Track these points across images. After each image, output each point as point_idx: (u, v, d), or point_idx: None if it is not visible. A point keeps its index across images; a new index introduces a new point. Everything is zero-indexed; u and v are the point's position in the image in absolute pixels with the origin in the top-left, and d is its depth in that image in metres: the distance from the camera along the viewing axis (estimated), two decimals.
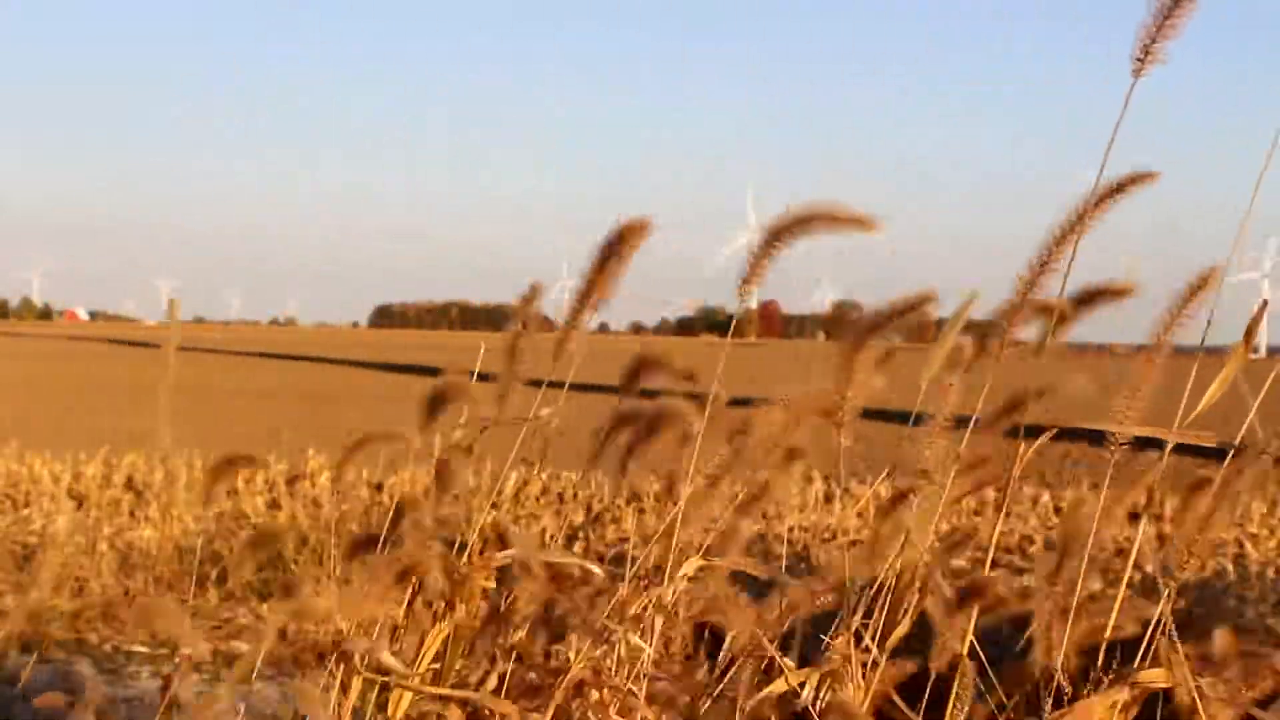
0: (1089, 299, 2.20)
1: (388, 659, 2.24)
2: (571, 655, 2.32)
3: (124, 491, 11.53)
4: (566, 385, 2.47)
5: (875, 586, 2.33)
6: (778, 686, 2.29)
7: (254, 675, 2.53)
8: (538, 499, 11.85)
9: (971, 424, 2.26)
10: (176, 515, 9.45)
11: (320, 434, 20.40)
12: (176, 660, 7.80)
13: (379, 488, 11.54)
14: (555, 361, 2.38)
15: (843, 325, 2.13)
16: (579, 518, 11.07)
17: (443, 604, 2.34)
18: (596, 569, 2.35)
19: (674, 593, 2.37)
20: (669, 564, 2.38)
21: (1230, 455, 2.20)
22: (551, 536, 10.03)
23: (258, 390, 34.62)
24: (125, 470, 12.74)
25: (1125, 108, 2.11)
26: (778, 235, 2.17)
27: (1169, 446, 2.21)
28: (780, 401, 2.26)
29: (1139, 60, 2.09)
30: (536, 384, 2.49)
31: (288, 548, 8.68)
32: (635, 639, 2.32)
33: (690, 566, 2.39)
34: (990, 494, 13.51)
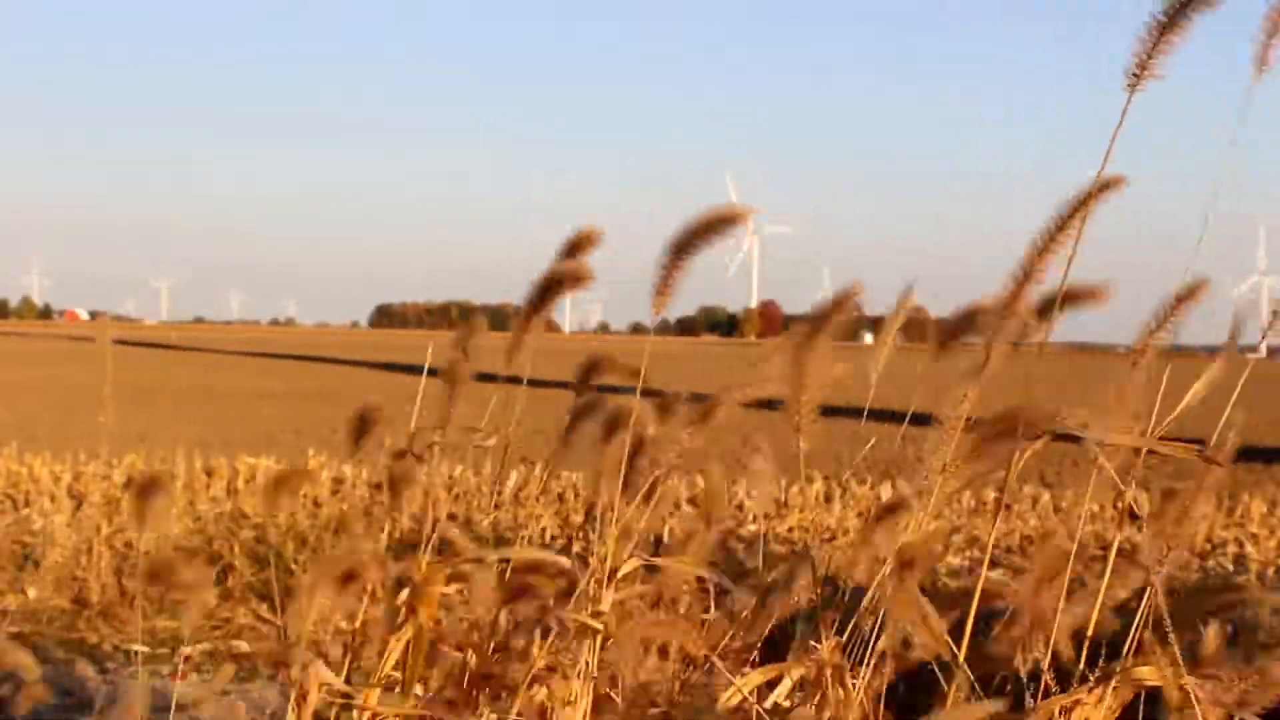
0: (1070, 299, 2.21)
1: (325, 673, 2.20)
2: (535, 651, 2.29)
3: (124, 491, 11.53)
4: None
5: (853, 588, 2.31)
6: (751, 681, 2.25)
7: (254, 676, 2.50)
8: (537, 499, 11.84)
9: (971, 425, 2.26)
10: (176, 515, 9.45)
11: (320, 434, 20.42)
12: (176, 660, 7.78)
13: (378, 487, 11.54)
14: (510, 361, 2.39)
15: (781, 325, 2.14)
16: (578, 517, 11.06)
17: (403, 610, 2.31)
18: (564, 561, 2.32)
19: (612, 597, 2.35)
20: (610, 564, 2.37)
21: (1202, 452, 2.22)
22: (553, 537, 10.03)
23: (258, 390, 34.59)
24: (125, 470, 12.74)
25: (1121, 122, 2.11)
26: (681, 249, 2.21)
27: (1143, 451, 2.21)
28: (728, 396, 2.28)
29: (1135, 76, 2.10)
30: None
31: (288, 548, 8.67)
32: (591, 622, 2.28)
33: (628, 566, 2.38)
34: (990, 493, 13.48)
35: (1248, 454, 19.10)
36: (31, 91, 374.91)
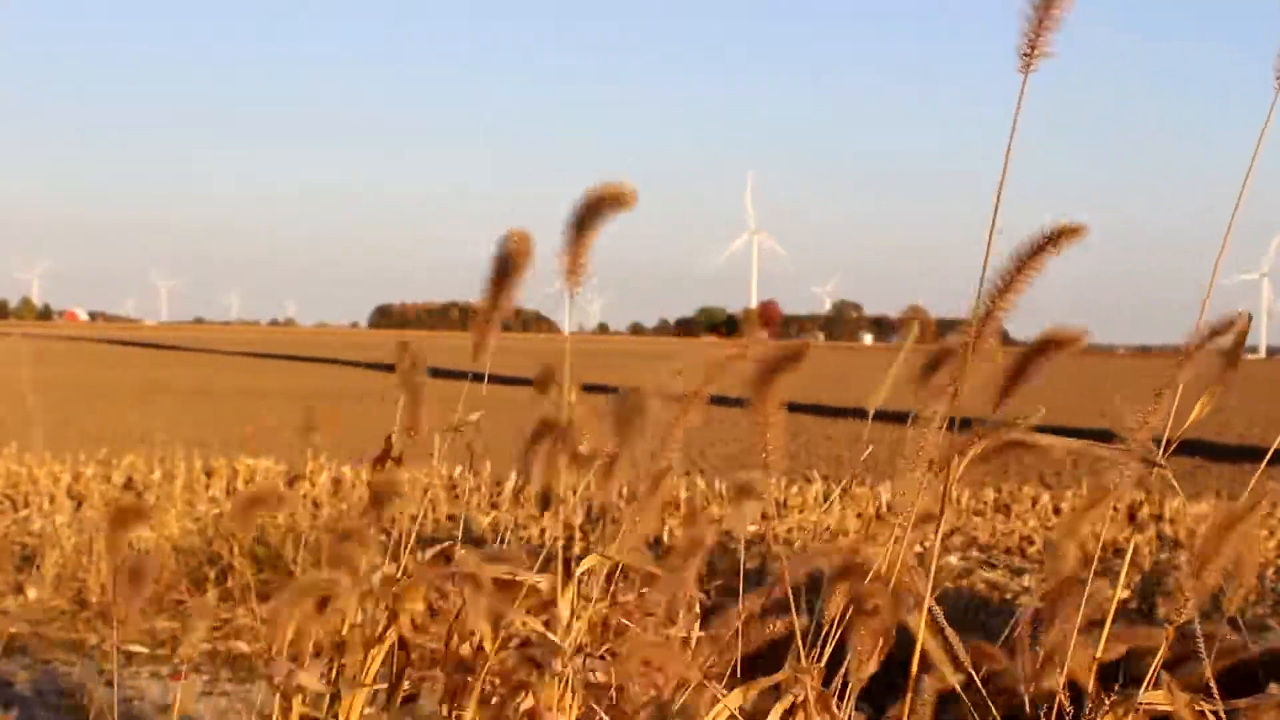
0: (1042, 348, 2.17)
1: (307, 680, 2.19)
2: (488, 646, 2.28)
3: (123, 492, 11.53)
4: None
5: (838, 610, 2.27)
6: (732, 700, 2.22)
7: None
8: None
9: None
10: (175, 515, 9.44)
11: (320, 435, 20.37)
12: (176, 661, 7.78)
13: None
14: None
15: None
16: (578, 518, 11.03)
17: (385, 617, 2.30)
18: (538, 579, 2.31)
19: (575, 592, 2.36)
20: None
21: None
22: (553, 538, 10.02)
23: (258, 390, 34.57)
24: (124, 471, 12.74)
25: (1019, 105, 2.08)
26: (583, 224, 2.21)
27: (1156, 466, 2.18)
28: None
29: (1026, 56, 2.06)
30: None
31: (287, 549, 8.67)
32: (535, 623, 2.29)
33: (588, 561, 2.40)
34: (990, 494, 13.40)
35: (1247, 454, 19.02)
36: (32, 91, 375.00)
